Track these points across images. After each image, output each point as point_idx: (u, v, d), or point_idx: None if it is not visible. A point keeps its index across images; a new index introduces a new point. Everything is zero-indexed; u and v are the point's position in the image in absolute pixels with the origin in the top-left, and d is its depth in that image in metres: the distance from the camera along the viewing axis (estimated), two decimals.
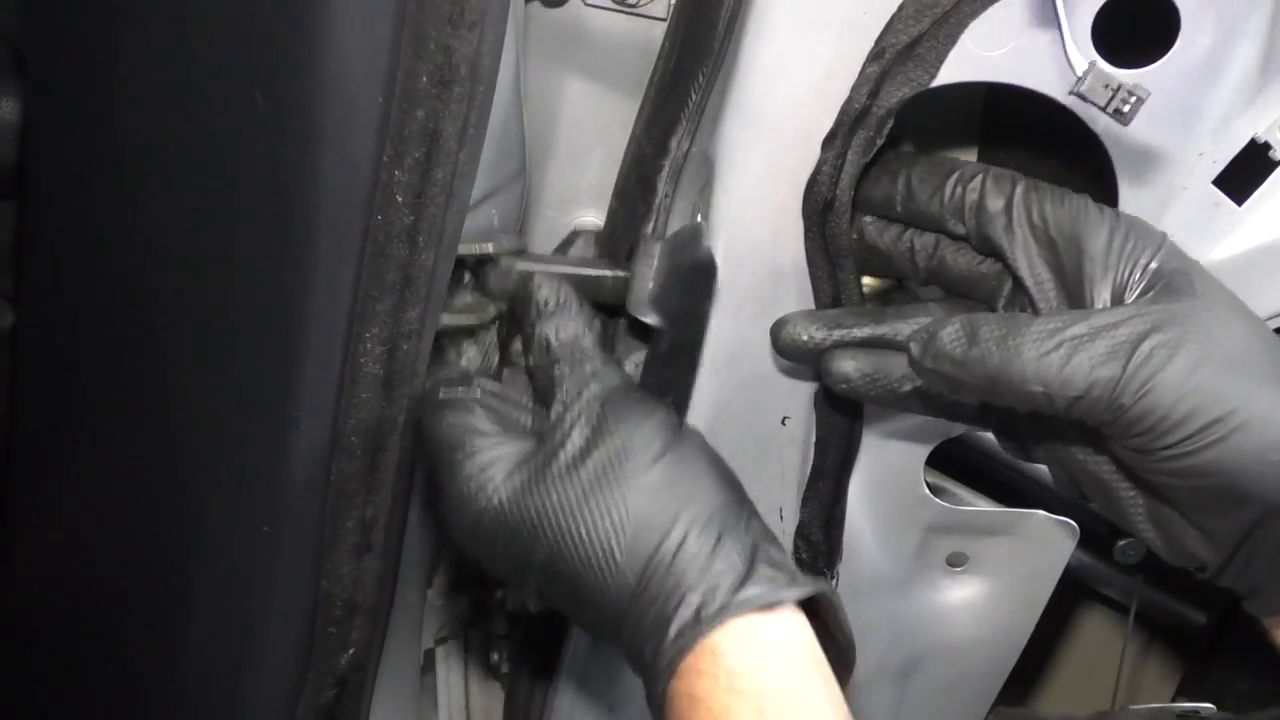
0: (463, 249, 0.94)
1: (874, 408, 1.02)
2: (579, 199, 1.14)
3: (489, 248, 0.96)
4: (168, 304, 0.97)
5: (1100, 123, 0.90)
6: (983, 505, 1.12)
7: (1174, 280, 0.85)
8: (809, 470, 1.06)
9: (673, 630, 0.80)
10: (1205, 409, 0.80)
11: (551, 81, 1.09)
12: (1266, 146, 0.93)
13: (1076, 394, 0.81)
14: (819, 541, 1.09)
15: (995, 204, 0.91)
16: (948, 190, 0.92)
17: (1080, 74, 0.83)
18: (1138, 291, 0.86)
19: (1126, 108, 0.82)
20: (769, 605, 0.80)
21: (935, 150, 1.10)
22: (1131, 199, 0.94)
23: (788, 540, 1.10)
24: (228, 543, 1.02)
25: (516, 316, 0.98)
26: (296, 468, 0.95)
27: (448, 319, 0.96)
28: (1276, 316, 0.99)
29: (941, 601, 1.16)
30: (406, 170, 0.84)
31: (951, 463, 1.16)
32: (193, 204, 0.91)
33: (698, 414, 1.04)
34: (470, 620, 1.39)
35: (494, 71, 0.85)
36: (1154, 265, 0.86)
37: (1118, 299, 0.86)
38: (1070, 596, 1.19)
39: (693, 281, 0.97)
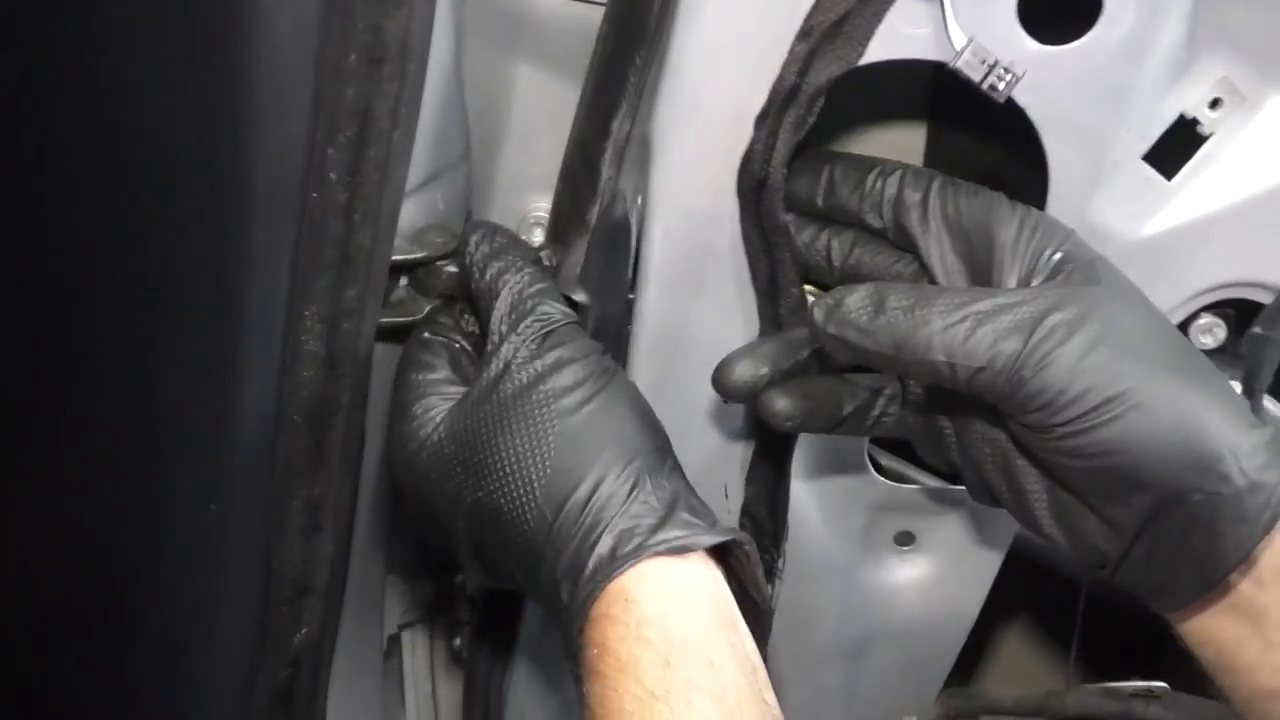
0: (395, 257, 0.95)
1: None
2: (532, 185, 1.15)
3: (420, 254, 0.97)
4: (108, 287, 0.98)
5: (1023, 96, 0.91)
6: (928, 482, 1.13)
7: (1079, 269, 0.88)
8: (752, 448, 1.07)
9: (588, 568, 0.80)
10: (1101, 387, 0.82)
11: (498, 67, 1.10)
12: (1194, 122, 0.95)
13: (979, 365, 0.83)
14: (764, 520, 1.10)
15: (913, 196, 0.93)
16: (868, 184, 0.95)
17: (959, 49, 0.84)
18: (1042, 278, 0.88)
19: (1001, 84, 0.85)
20: (684, 549, 0.80)
21: (886, 130, 1.11)
22: (1062, 175, 0.95)
23: (734, 519, 1.11)
24: (178, 524, 1.02)
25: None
26: (241, 446, 0.96)
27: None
28: (1210, 290, 1.00)
29: (890, 581, 1.18)
30: (339, 148, 0.85)
31: (897, 441, 1.16)
32: (129, 185, 0.91)
33: None
34: (435, 605, 1.40)
35: (424, 50, 0.86)
36: (1059, 255, 0.89)
37: (1024, 286, 0.88)
38: (1020, 574, 1.19)
39: (610, 247, 0.98)
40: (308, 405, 0.96)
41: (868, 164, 0.96)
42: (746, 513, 1.10)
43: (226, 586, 1.04)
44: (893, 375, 0.96)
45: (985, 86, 0.84)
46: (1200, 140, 0.95)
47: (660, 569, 0.80)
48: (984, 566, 1.16)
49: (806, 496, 1.10)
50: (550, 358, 0.87)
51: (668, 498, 0.82)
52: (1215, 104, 0.95)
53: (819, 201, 0.97)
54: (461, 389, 0.91)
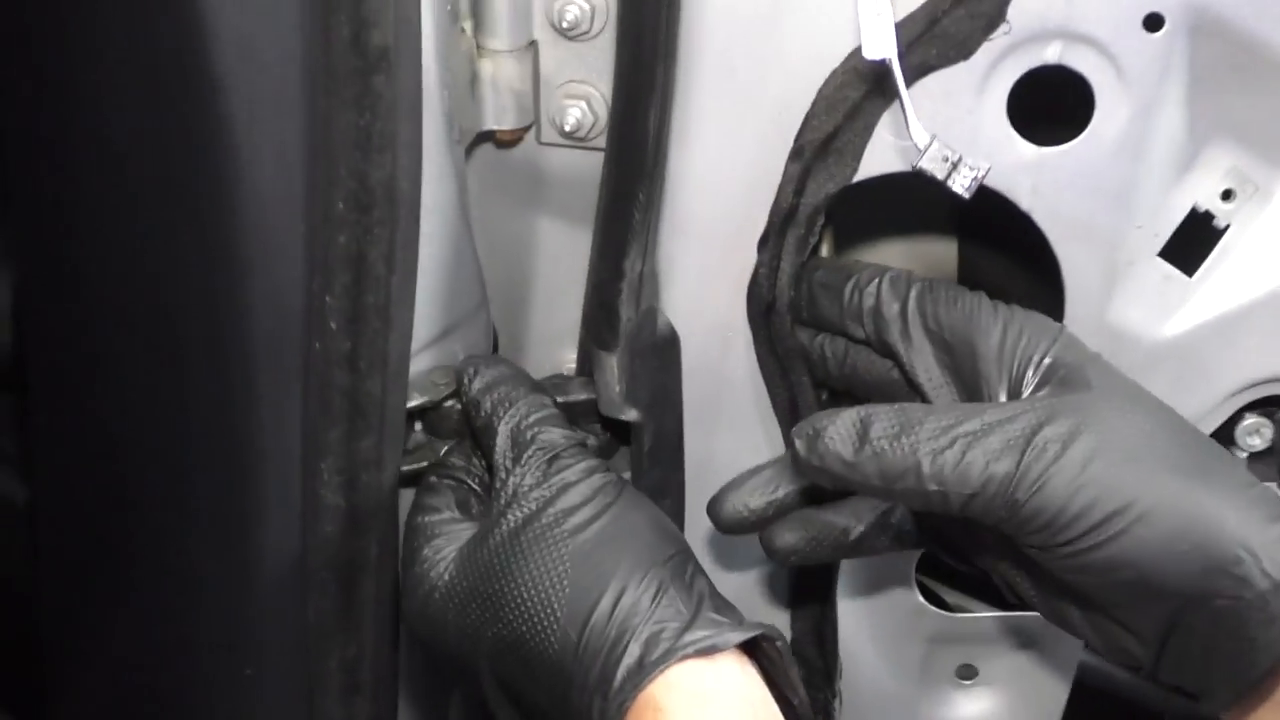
0: None
1: None
2: (562, 339, 1.15)
3: (425, 400, 0.97)
4: (140, 457, 1.00)
5: (1025, 200, 0.90)
6: (984, 612, 1.09)
7: (1070, 374, 0.84)
8: (792, 584, 1.05)
9: (616, 681, 0.78)
10: (1102, 502, 0.78)
11: (519, 223, 1.12)
12: (1208, 215, 0.93)
13: (971, 491, 0.79)
14: (814, 658, 1.07)
15: (891, 309, 0.91)
16: (845, 295, 0.92)
17: (921, 148, 0.84)
18: (1032, 388, 0.85)
19: (966, 181, 0.83)
20: (712, 649, 0.78)
21: (914, 247, 1.10)
22: (1076, 278, 0.93)
23: None
24: (215, 691, 1.02)
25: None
26: (270, 606, 0.96)
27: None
28: (1247, 388, 0.97)
29: (955, 718, 1.13)
30: (337, 296, 0.86)
31: (948, 569, 1.13)
32: (146, 347, 0.94)
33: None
34: None
35: (414, 196, 0.87)
36: (1048, 360, 0.85)
37: (1014, 396, 0.85)
38: (1098, 705, 1.15)
39: (657, 360, 0.97)
40: (335, 561, 0.96)
41: (845, 272, 0.93)
42: (796, 653, 1.07)
43: None
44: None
45: (950, 184, 0.83)
46: (1217, 233, 0.93)
47: (688, 675, 0.78)
48: (1052, 696, 1.12)
49: (856, 630, 1.07)
50: (555, 481, 0.87)
51: (693, 600, 0.81)
52: (1228, 195, 0.92)
53: (803, 313, 0.95)
54: (469, 526, 0.91)
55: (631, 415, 0.98)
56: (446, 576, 0.88)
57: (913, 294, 0.90)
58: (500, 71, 1.04)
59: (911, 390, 0.91)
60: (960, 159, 0.83)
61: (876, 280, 0.92)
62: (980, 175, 0.83)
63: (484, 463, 0.97)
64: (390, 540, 0.98)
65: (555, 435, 0.89)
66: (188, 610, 1.01)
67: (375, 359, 0.90)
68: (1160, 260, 0.93)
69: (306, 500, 0.93)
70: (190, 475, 0.95)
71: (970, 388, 0.87)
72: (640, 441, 0.99)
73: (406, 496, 0.99)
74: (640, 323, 0.98)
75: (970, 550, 0.92)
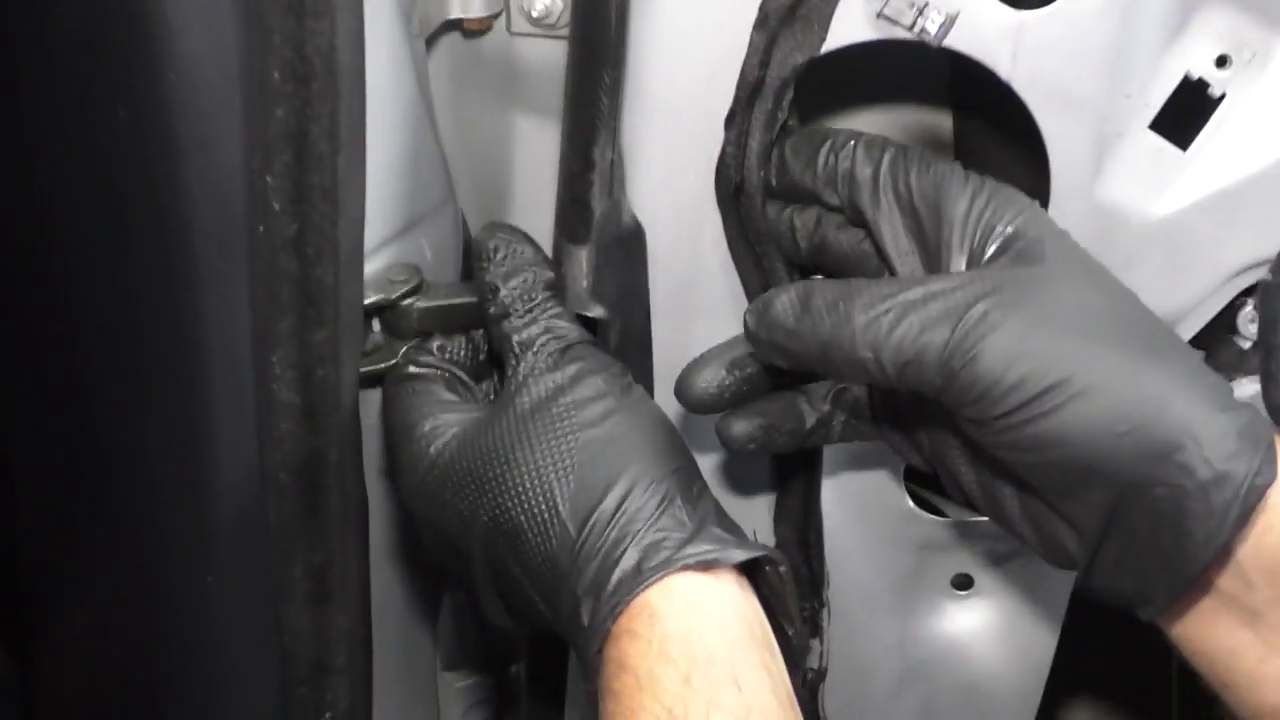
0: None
1: None
2: (542, 241, 1.11)
3: (381, 297, 0.93)
4: (97, 361, 0.96)
5: (1005, 68, 0.85)
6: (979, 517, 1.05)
7: (1028, 246, 0.81)
8: (776, 483, 1.01)
9: (611, 584, 0.76)
10: (1039, 375, 0.74)
11: (493, 120, 1.08)
12: (1202, 83, 0.88)
13: (905, 359, 0.77)
14: (799, 565, 1.03)
15: (864, 172, 0.87)
16: (820, 159, 0.89)
17: None
18: (988, 258, 0.82)
19: (933, 27, 0.79)
20: (714, 563, 0.76)
21: (909, 120, 1.05)
22: (1062, 152, 0.88)
23: None
24: (178, 599, 0.99)
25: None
26: (226, 509, 0.93)
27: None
28: (1248, 269, 0.92)
29: (950, 630, 1.09)
30: (277, 175, 0.83)
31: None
32: (86, 238, 0.90)
33: None
34: (498, 703, 1.34)
35: (356, 67, 0.83)
36: (1009, 230, 0.81)
37: (972, 266, 0.82)
38: (1098, 615, 1.10)
39: (623, 255, 0.94)
40: (292, 462, 0.92)
41: (819, 137, 0.90)
42: None
43: (238, 668, 1.00)
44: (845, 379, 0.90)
45: (916, 31, 0.79)
46: (1212, 103, 0.88)
47: (688, 584, 0.76)
48: (1052, 607, 1.07)
49: (844, 537, 1.03)
50: (570, 370, 0.85)
51: (698, 514, 0.79)
52: (1223, 61, 0.87)
53: (773, 181, 0.91)
54: (470, 407, 0.89)
55: (597, 312, 0.94)
56: (447, 454, 0.85)
57: (886, 158, 0.87)
58: None
59: (880, 262, 0.88)
60: (927, 4, 0.78)
61: (852, 143, 0.88)
62: (951, 18, 0.78)
63: (468, 350, 0.95)
64: (353, 444, 0.95)
65: (570, 329, 0.88)
66: (149, 516, 0.98)
67: (324, 244, 0.86)
68: (1151, 132, 0.88)
69: (259, 397, 0.90)
70: (143, 374, 0.92)
71: (933, 256, 0.84)
72: (607, 339, 0.95)
73: (367, 400, 0.96)
74: (605, 215, 0.94)
75: (915, 430, 0.89)
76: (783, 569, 0.79)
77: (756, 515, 1.03)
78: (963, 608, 1.08)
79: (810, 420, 0.91)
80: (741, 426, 0.91)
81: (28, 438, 1.09)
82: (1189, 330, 0.94)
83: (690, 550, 0.76)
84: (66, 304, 0.96)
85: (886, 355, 0.77)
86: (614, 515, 0.78)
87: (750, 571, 0.79)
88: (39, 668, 1.23)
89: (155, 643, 1.03)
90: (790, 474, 1.01)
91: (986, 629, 1.09)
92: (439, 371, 0.93)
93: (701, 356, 0.90)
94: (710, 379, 0.89)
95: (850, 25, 0.85)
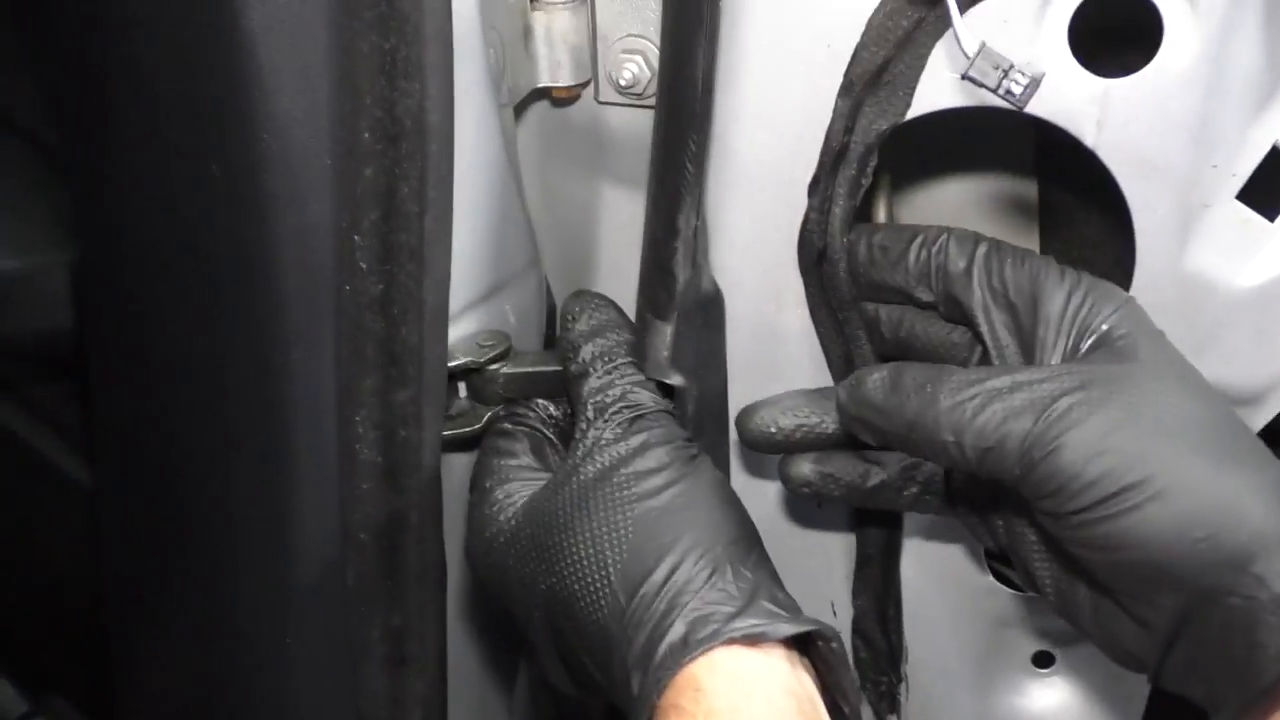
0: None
1: None
2: (626, 309, 1.12)
3: (469, 360, 0.94)
4: (185, 419, 0.98)
5: (1090, 136, 0.85)
6: None
7: (1124, 344, 0.80)
8: (855, 554, 1.00)
9: (658, 656, 0.75)
10: (1119, 472, 0.74)
11: (580, 187, 1.09)
12: None
13: (987, 445, 0.76)
14: (877, 638, 1.02)
15: (958, 266, 0.87)
16: (912, 255, 0.89)
17: (970, 56, 0.79)
18: (1083, 354, 0.81)
19: (1018, 89, 0.78)
20: (761, 637, 0.75)
21: (994, 189, 1.05)
22: (1147, 222, 0.87)
23: (845, 640, 1.03)
24: (258, 661, 1.00)
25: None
26: (306, 569, 0.94)
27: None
28: None
29: (1030, 709, 1.07)
30: (365, 234, 0.84)
31: None
32: (176, 294, 0.92)
33: None
34: None
35: (446, 131, 0.84)
36: (1105, 328, 0.81)
37: (1067, 362, 0.81)
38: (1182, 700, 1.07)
39: (702, 321, 0.94)
40: (373, 522, 0.93)
41: (909, 234, 0.90)
42: (858, 631, 1.03)
43: None
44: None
45: (1001, 93, 0.78)
46: None
47: (733, 659, 0.75)
48: (1134, 688, 1.05)
49: (923, 609, 1.02)
50: (635, 441, 0.85)
51: (749, 587, 0.78)
52: None
53: (861, 279, 0.92)
54: (544, 474, 0.89)
55: (676, 379, 0.94)
56: (514, 522, 0.86)
57: (980, 252, 0.87)
58: (555, 25, 1.02)
59: (969, 355, 0.88)
60: (1012, 66, 0.78)
61: (944, 236, 0.88)
62: (1035, 80, 0.78)
63: (562, 412, 0.95)
64: (434, 506, 0.95)
65: (644, 396, 0.88)
66: (230, 574, 0.99)
67: (409, 304, 0.87)
68: (1238, 203, 0.87)
69: (342, 456, 0.90)
70: (228, 429, 0.93)
71: (1029, 351, 0.84)
72: (684, 406, 0.95)
73: (450, 464, 0.96)
74: (687, 282, 0.94)
75: (991, 515, 0.88)
76: (835, 645, 0.78)
77: (835, 587, 1.02)
78: (1043, 686, 1.06)
79: (873, 480, 0.91)
80: (800, 469, 0.91)
81: (113, 493, 1.10)
82: (1277, 405, 0.92)
83: (738, 624, 0.75)
84: (154, 359, 0.97)
85: (969, 439, 0.77)
86: (663, 586, 0.78)
87: (804, 645, 0.78)
88: None
89: (232, 704, 1.03)
90: (870, 546, 1.00)
91: (1067, 709, 1.07)
92: (529, 430, 0.93)
93: (768, 398, 0.91)
94: (768, 419, 0.90)
95: (936, 91, 0.85)
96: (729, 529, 0.81)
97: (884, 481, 0.91)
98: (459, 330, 0.95)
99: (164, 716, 1.15)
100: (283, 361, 0.87)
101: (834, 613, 1.02)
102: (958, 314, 0.89)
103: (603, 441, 0.85)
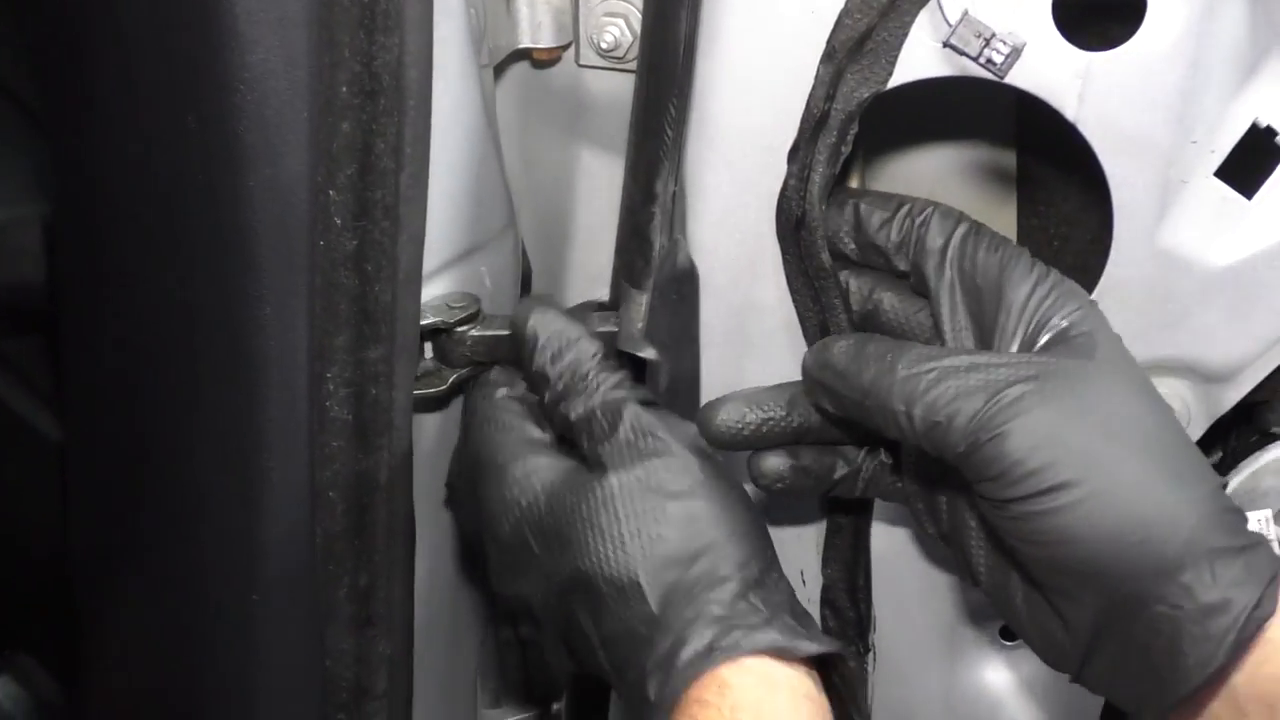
0: None
1: None
2: (602, 275, 1.11)
3: (438, 321, 0.94)
4: (155, 375, 0.97)
5: (1071, 109, 0.85)
6: None
7: (1080, 341, 0.81)
8: (825, 524, 1.00)
9: (682, 658, 0.76)
10: (1058, 467, 0.75)
11: (559, 151, 1.08)
12: (1270, 132, 0.87)
13: (935, 419, 0.77)
14: (846, 608, 1.02)
15: (935, 242, 0.88)
16: (896, 222, 0.90)
17: (952, 23, 0.79)
18: (1040, 347, 0.82)
19: (999, 58, 0.79)
20: (786, 651, 0.76)
21: (973, 157, 1.05)
22: (1126, 197, 0.87)
23: (814, 609, 1.03)
24: (224, 617, 0.99)
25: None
26: (275, 525, 0.93)
27: None
28: None
29: (997, 683, 1.07)
30: (340, 189, 0.83)
31: None
32: (149, 245, 0.91)
33: None
34: None
35: (424, 85, 0.84)
36: (1064, 324, 0.82)
37: (1024, 353, 0.82)
38: None
39: (676, 294, 0.94)
40: (341, 480, 0.93)
41: (896, 201, 0.91)
42: (827, 601, 1.03)
43: (280, 688, 1.00)
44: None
45: (982, 61, 0.78)
46: (1278, 152, 0.87)
47: (760, 663, 0.76)
48: None
49: (894, 581, 1.02)
50: (652, 453, 0.84)
51: (774, 601, 0.79)
52: None
53: (846, 240, 0.92)
54: (556, 455, 0.88)
55: (649, 353, 0.94)
56: (539, 507, 0.85)
57: (959, 231, 0.88)
58: None
59: (932, 335, 0.88)
60: (994, 34, 0.78)
61: (929, 210, 0.89)
62: (1017, 50, 0.78)
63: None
64: (404, 465, 0.95)
65: (629, 393, 0.87)
66: (197, 529, 0.98)
67: (383, 261, 0.87)
68: (1216, 180, 0.88)
69: (312, 412, 0.90)
70: (197, 383, 0.92)
71: (987, 336, 0.85)
72: (656, 380, 0.96)
73: (416, 424, 0.96)
74: (663, 256, 0.94)
75: (936, 497, 0.89)
76: (853, 664, 0.80)
77: (805, 556, 1.02)
78: (1010, 659, 1.07)
79: (840, 471, 0.92)
80: (771, 463, 0.92)
81: (81, 448, 1.10)
82: (1249, 381, 0.93)
83: (761, 636, 0.76)
84: (125, 312, 0.97)
85: (918, 411, 0.78)
86: (693, 594, 0.78)
87: (819, 665, 0.79)
88: (84, 686, 1.24)
89: (198, 660, 1.03)
90: (840, 515, 1.00)
91: (1033, 681, 1.07)
92: (521, 399, 0.93)
93: (732, 394, 0.91)
94: (730, 415, 0.90)
95: (917, 60, 0.85)
96: (755, 539, 0.82)
97: (848, 472, 0.92)
98: (433, 290, 0.94)
99: (129, 673, 1.14)
100: (254, 316, 0.87)
101: (803, 581, 1.03)
102: (923, 288, 0.89)
103: (624, 458, 0.84)
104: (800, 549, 1.02)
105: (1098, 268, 0.91)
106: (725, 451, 0.90)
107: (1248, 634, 0.74)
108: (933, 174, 1.05)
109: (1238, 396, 0.94)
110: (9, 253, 1.32)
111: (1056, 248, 1.01)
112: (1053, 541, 0.76)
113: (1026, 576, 0.81)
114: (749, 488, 0.89)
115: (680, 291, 0.94)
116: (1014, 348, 0.83)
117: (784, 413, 0.90)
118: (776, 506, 1.01)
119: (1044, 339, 0.82)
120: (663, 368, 0.95)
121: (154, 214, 0.90)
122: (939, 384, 0.78)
